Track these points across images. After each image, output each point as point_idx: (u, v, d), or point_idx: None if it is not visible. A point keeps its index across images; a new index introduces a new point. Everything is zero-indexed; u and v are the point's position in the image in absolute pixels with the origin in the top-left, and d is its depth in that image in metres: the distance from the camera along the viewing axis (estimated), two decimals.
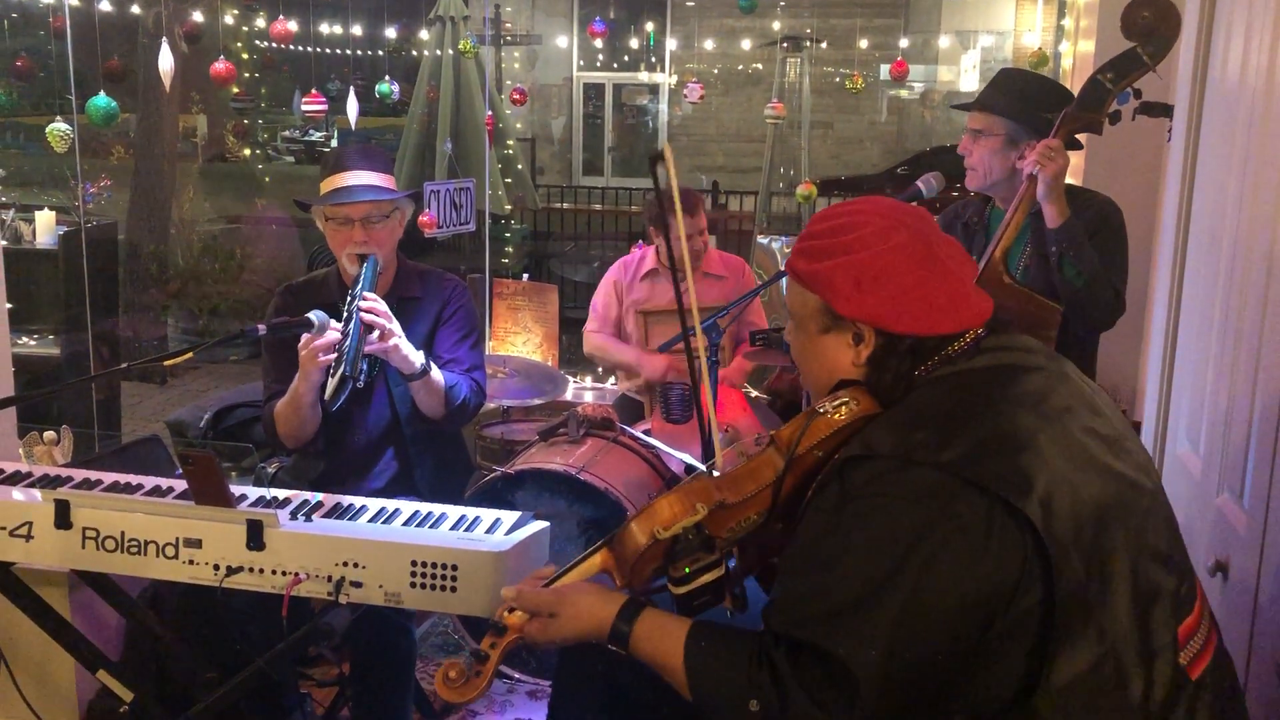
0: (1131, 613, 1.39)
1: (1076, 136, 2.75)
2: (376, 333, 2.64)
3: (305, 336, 2.63)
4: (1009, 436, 1.41)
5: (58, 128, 3.98)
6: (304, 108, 5.29)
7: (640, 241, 4.68)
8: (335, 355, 2.62)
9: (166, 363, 2.25)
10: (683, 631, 1.51)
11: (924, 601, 1.35)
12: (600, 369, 5.03)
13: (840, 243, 1.55)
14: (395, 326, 2.68)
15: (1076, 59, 4.52)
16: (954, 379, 1.51)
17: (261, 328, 2.50)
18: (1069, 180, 2.74)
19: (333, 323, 2.64)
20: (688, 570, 1.57)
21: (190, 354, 2.33)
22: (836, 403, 1.56)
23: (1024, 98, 2.81)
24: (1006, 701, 1.40)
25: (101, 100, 3.84)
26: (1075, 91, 2.72)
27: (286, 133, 21.68)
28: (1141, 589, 1.41)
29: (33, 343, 5.29)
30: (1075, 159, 4.33)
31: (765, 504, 1.59)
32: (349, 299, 2.68)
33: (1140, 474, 1.50)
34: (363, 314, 2.62)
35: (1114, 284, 2.71)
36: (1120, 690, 1.38)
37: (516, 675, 3.36)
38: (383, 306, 2.67)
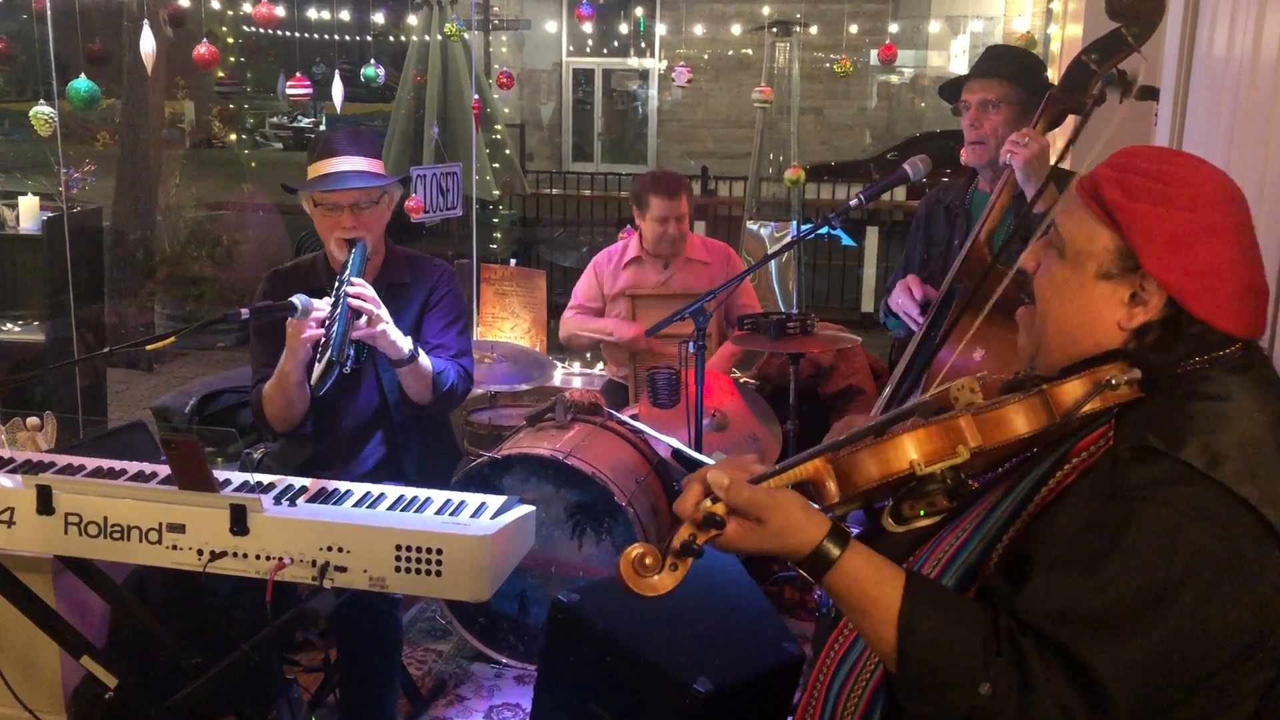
0: None
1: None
2: (364, 318, 2.63)
3: (293, 322, 2.62)
4: (1272, 459, 1.30)
5: (41, 111, 3.95)
6: (289, 91, 5.25)
7: (628, 226, 4.67)
8: (322, 336, 2.61)
9: (149, 346, 2.24)
10: (900, 578, 1.34)
11: (1194, 632, 1.25)
12: (588, 353, 5.03)
13: (1172, 192, 1.37)
14: (383, 312, 2.67)
15: (1065, 42, 4.51)
16: (1228, 389, 1.36)
17: (245, 312, 2.48)
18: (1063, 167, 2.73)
19: (316, 303, 2.63)
20: (922, 512, 1.41)
21: (173, 338, 2.32)
22: (1128, 378, 1.37)
23: (1029, 68, 2.85)
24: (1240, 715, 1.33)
25: (82, 84, 3.80)
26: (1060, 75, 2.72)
27: (274, 119, 21.57)
28: None
29: (16, 329, 5.25)
30: (1061, 138, 4.32)
31: (1002, 457, 1.44)
32: (337, 284, 2.67)
33: None
34: (350, 299, 2.61)
35: None
36: None
37: (504, 660, 3.37)
38: (370, 292, 2.65)
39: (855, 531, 1.43)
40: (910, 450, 1.38)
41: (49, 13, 4.00)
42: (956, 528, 1.47)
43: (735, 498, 1.37)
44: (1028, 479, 1.42)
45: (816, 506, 1.41)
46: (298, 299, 2.58)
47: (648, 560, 1.36)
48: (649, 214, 4.14)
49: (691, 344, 3.07)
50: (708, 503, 1.38)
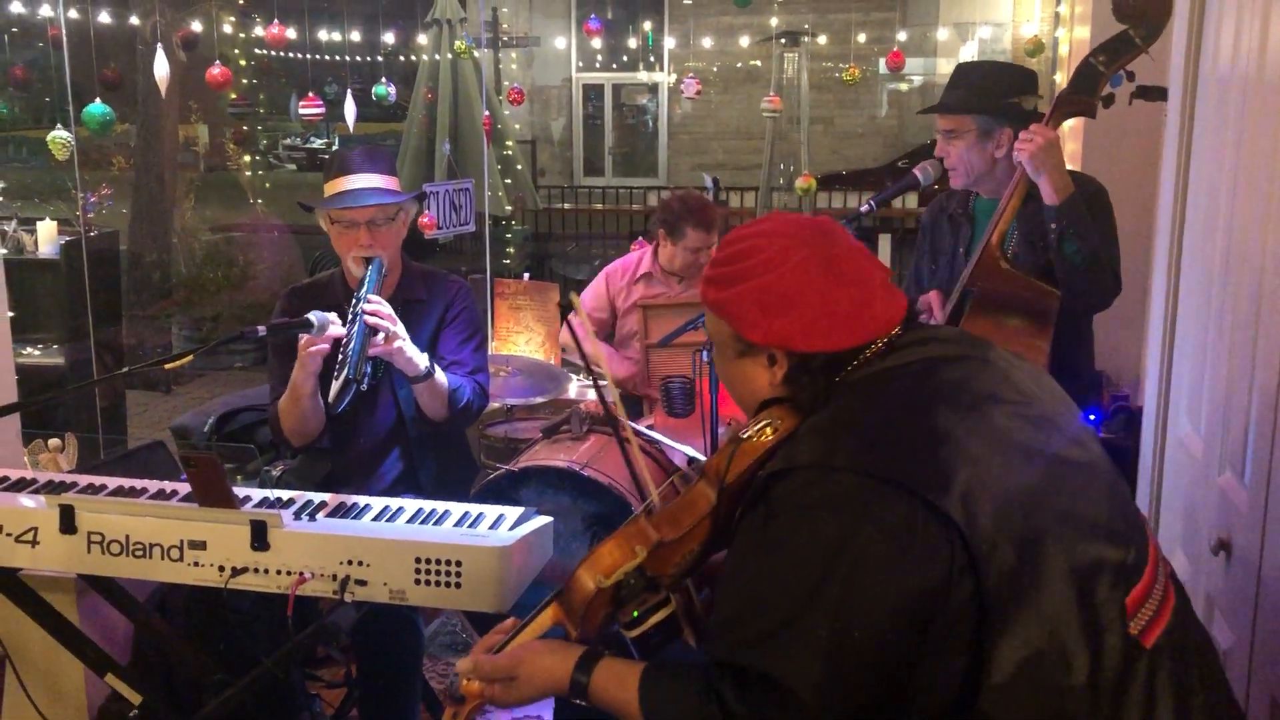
0: (1070, 593, 1.37)
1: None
2: (381, 335, 2.65)
3: (305, 337, 2.64)
4: (926, 433, 1.41)
5: (59, 135, 4.00)
6: (301, 111, 5.30)
7: (640, 239, 4.68)
8: (339, 355, 2.63)
9: (168, 365, 2.26)
10: (636, 676, 1.51)
11: (855, 610, 1.34)
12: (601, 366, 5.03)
13: (742, 269, 1.55)
14: (399, 329, 2.68)
15: (1073, 45, 4.51)
16: (869, 381, 1.51)
17: (261, 329, 2.50)
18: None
19: (333, 317, 2.64)
20: (635, 614, 1.57)
21: (190, 356, 2.34)
22: (759, 425, 1.56)
23: (984, 89, 2.82)
24: (952, 703, 1.38)
25: (97, 108, 3.85)
26: (1069, 77, 2.72)
27: (287, 140, 21.71)
28: (1080, 567, 1.38)
29: (36, 352, 5.30)
30: (1073, 144, 4.33)
31: (704, 535, 1.58)
32: (354, 301, 2.69)
33: (1074, 448, 1.49)
34: (367, 317, 2.62)
35: (1111, 261, 2.70)
36: (1064, 673, 1.35)
37: None
38: (387, 309, 2.67)
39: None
40: (592, 571, 1.57)
41: (65, 40, 4.05)
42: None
43: (481, 673, 1.62)
44: None
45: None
46: (314, 315, 2.59)
47: None
48: (683, 243, 4.12)
49: (705, 353, 3.08)
50: (463, 682, 1.62)
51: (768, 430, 1.55)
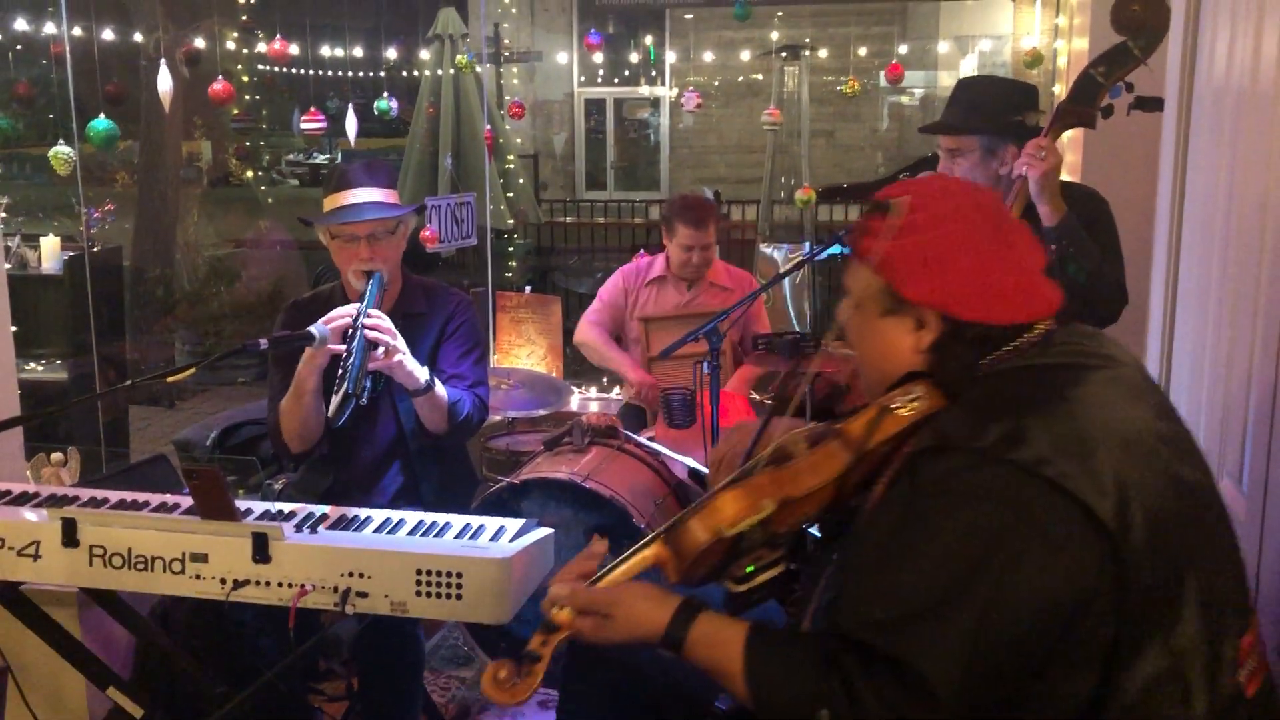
0: (1200, 626, 1.34)
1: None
2: (381, 349, 2.65)
3: (308, 350, 2.65)
4: (1084, 438, 1.34)
5: (61, 150, 4.02)
6: (303, 125, 5.32)
7: (642, 250, 4.70)
8: (339, 370, 2.64)
9: (170, 378, 2.27)
10: (740, 636, 1.43)
11: (1003, 609, 1.28)
12: (605, 378, 5.04)
13: (908, 222, 1.46)
14: (399, 343, 2.69)
15: (1071, 56, 4.53)
16: (1025, 373, 1.43)
17: (263, 342, 2.51)
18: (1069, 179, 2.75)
19: (342, 312, 2.65)
20: (750, 569, 1.50)
21: (194, 369, 2.35)
22: (910, 397, 1.47)
23: (987, 107, 2.83)
24: (1076, 714, 1.34)
25: (101, 123, 3.87)
26: (1068, 88, 2.73)
27: (290, 156, 21.78)
28: (1211, 601, 1.35)
29: (40, 368, 5.32)
30: (1072, 155, 4.34)
31: (826, 499, 1.51)
32: (355, 315, 2.69)
33: (1205, 477, 1.44)
34: (366, 331, 2.63)
35: (1115, 275, 2.70)
36: (1183, 708, 1.32)
37: None
38: (387, 323, 2.68)
39: None
40: (719, 515, 1.48)
41: (68, 55, 4.08)
42: (823, 577, 1.57)
43: (578, 602, 1.54)
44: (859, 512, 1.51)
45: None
46: (315, 328, 2.60)
47: (502, 674, 1.52)
48: (676, 240, 4.17)
49: (706, 364, 3.09)
50: (554, 610, 1.54)
51: (915, 404, 1.47)
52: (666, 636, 1.48)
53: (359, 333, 2.63)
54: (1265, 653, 1.45)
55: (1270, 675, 1.44)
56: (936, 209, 1.47)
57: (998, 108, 2.81)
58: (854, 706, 1.30)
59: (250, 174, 12.29)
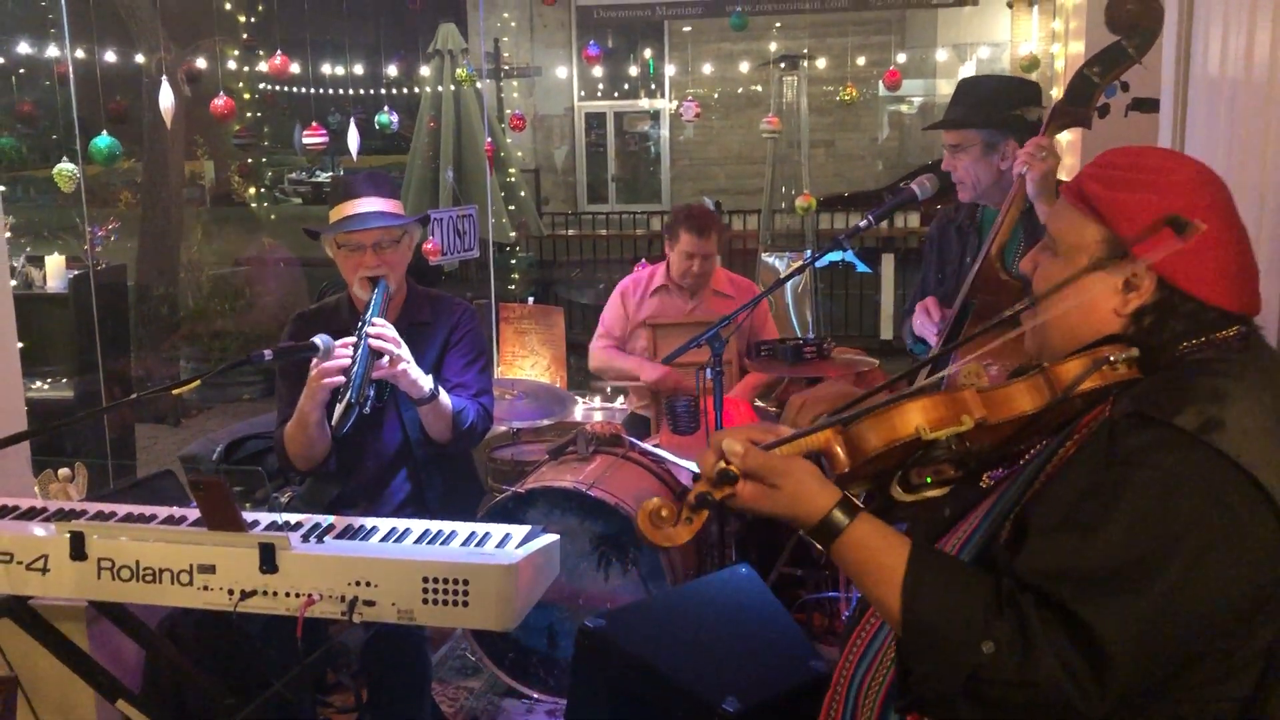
0: None
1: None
2: (385, 358, 2.67)
3: (315, 361, 2.66)
4: (1277, 439, 1.32)
5: (65, 168, 4.04)
6: (305, 140, 5.35)
7: (642, 261, 4.72)
8: (342, 378, 2.65)
9: (176, 390, 2.28)
10: (905, 546, 1.38)
11: (1191, 593, 1.27)
12: (609, 387, 5.05)
13: (1150, 179, 1.43)
14: (404, 351, 2.71)
15: (1069, 60, 4.55)
16: (1227, 365, 1.39)
17: (268, 353, 2.52)
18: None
19: (338, 344, 2.67)
20: (929, 480, 1.45)
21: (198, 381, 2.36)
22: (1126, 356, 1.43)
23: (988, 102, 2.86)
24: (1237, 709, 1.34)
25: (104, 140, 3.89)
26: (1064, 90, 2.75)
27: (292, 174, 21.88)
28: None
29: (46, 386, 5.34)
30: (1070, 156, 4.35)
31: (1007, 435, 1.46)
32: (359, 325, 2.71)
33: None
34: (371, 340, 2.65)
35: None
36: None
37: (535, 695, 3.37)
38: (391, 332, 2.70)
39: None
40: (916, 416, 1.41)
41: (71, 74, 4.11)
42: (972, 514, 1.49)
43: (750, 462, 1.41)
44: (1035, 461, 1.45)
45: (830, 477, 1.44)
46: (320, 339, 2.62)
47: (664, 513, 1.41)
48: (678, 247, 4.20)
49: (709, 370, 3.10)
50: (723, 463, 1.42)
51: (1124, 366, 1.43)
52: (825, 522, 1.40)
53: (363, 341, 2.65)
54: None
55: None
56: (1180, 177, 1.44)
57: (998, 103, 2.83)
58: (1027, 649, 1.27)
59: (252, 192, 12.34)
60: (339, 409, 2.62)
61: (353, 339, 2.69)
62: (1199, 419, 1.31)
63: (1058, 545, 1.32)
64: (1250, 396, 1.35)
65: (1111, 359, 1.42)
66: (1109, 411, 1.40)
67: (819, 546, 1.44)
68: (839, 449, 1.45)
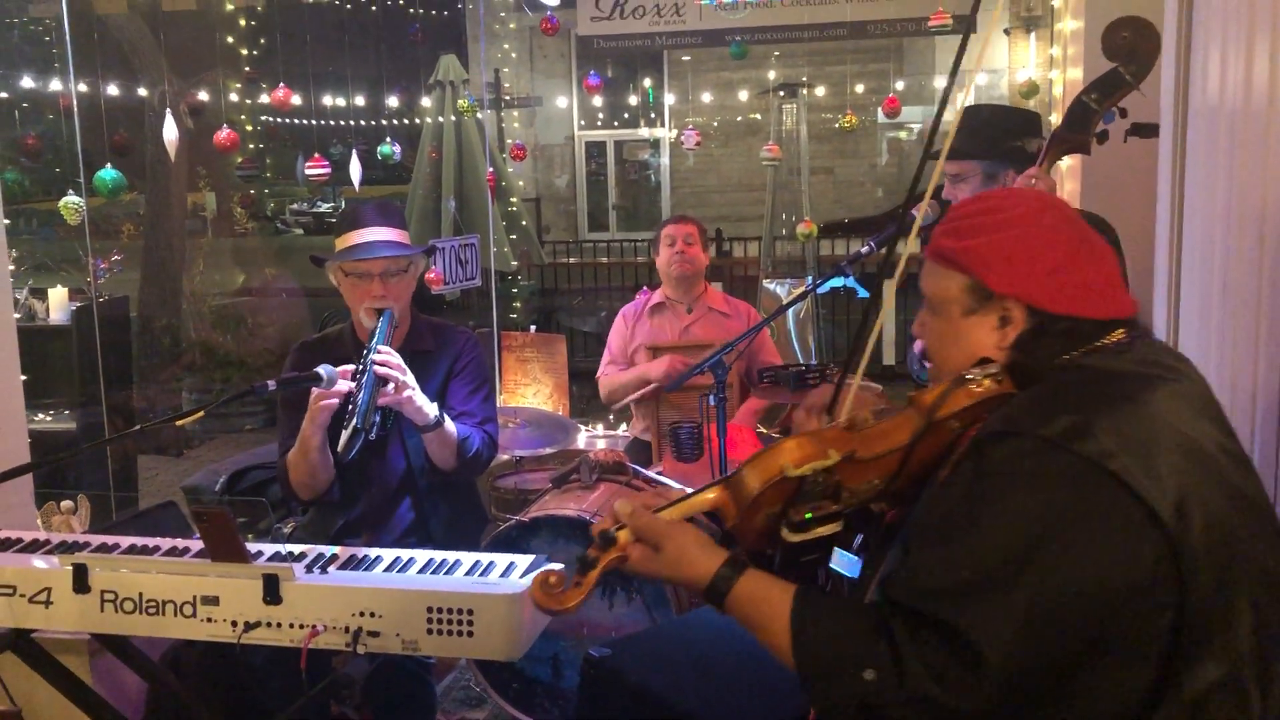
0: (1252, 634, 1.36)
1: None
2: (390, 385, 2.67)
3: (316, 391, 2.67)
4: (1149, 440, 1.37)
5: (70, 200, 4.06)
6: (307, 171, 5.37)
7: (645, 288, 4.73)
8: (348, 405, 2.65)
9: (179, 421, 2.28)
10: (789, 594, 1.45)
11: (1058, 587, 1.31)
12: (611, 415, 5.05)
13: (991, 221, 1.51)
14: (409, 379, 2.71)
15: (1067, 86, 4.57)
16: (1098, 371, 1.46)
17: (271, 383, 2.53)
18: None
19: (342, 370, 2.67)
20: (809, 515, 1.49)
21: (202, 413, 2.36)
22: (985, 372, 1.49)
23: (988, 133, 2.87)
24: (1131, 713, 1.36)
25: (109, 173, 3.91)
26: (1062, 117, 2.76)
27: (294, 205, 21.96)
28: (1261, 612, 1.37)
29: (48, 419, 5.34)
30: (1071, 182, 4.37)
31: (892, 469, 1.52)
32: (365, 353, 2.72)
33: (1261, 495, 1.47)
34: (376, 367, 2.65)
35: None
36: (1240, 712, 1.34)
37: None
38: (397, 359, 2.70)
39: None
40: (783, 456, 1.48)
41: (75, 107, 4.13)
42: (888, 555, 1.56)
43: (636, 523, 1.51)
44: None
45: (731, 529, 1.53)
46: (323, 369, 2.62)
47: (552, 580, 1.50)
48: (661, 244, 4.28)
49: (712, 397, 3.10)
50: (614, 527, 1.51)
51: (988, 381, 1.49)
52: (713, 584, 1.48)
53: (368, 369, 2.65)
54: None
55: None
56: (1018, 210, 1.51)
57: (998, 133, 2.85)
58: (900, 669, 1.32)
59: (254, 223, 12.38)
60: (345, 435, 2.62)
61: (355, 367, 2.69)
62: (1061, 427, 1.36)
63: (925, 563, 1.38)
64: (1119, 401, 1.41)
65: (969, 376, 1.49)
66: (977, 431, 1.46)
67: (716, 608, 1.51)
68: (727, 502, 1.53)
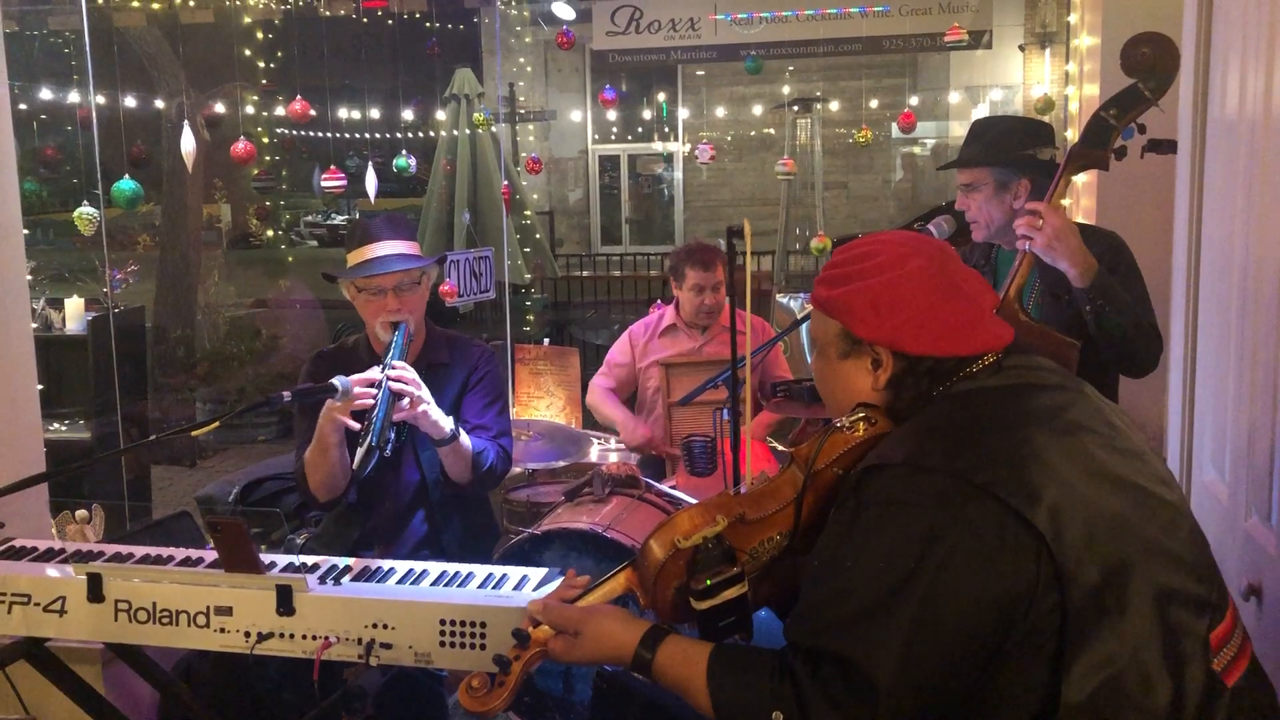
0: (1154, 617, 1.39)
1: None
2: (405, 400, 2.67)
3: (328, 404, 2.66)
4: (1019, 449, 1.43)
5: (85, 211, 4.08)
6: (324, 184, 5.38)
7: (658, 301, 4.73)
8: (363, 421, 2.65)
9: (195, 432, 2.29)
10: (705, 653, 1.52)
11: (939, 604, 1.36)
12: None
13: (858, 269, 1.59)
14: (424, 393, 2.70)
15: (1083, 101, 4.57)
16: (968, 395, 1.53)
17: (287, 394, 2.53)
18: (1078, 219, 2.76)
19: (357, 380, 2.66)
20: (709, 583, 1.56)
21: (217, 423, 2.37)
22: (854, 418, 1.58)
23: (1000, 142, 2.86)
24: (1034, 715, 1.38)
25: (127, 184, 3.94)
26: (1080, 132, 2.75)
27: (309, 217, 22.08)
28: (1164, 594, 1.40)
29: (63, 428, 5.36)
30: (1087, 198, 4.36)
31: (787, 524, 1.60)
32: (380, 368, 2.71)
33: (1160, 486, 1.50)
34: (391, 383, 2.65)
35: (1148, 319, 2.68)
36: (1145, 695, 1.37)
37: None
38: (411, 374, 2.69)
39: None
40: (673, 531, 1.57)
41: (94, 119, 4.16)
42: None
43: (550, 617, 1.62)
44: None
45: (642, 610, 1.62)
46: (338, 381, 2.62)
47: (475, 683, 1.57)
48: (685, 284, 4.21)
49: (725, 411, 3.09)
50: (529, 625, 1.60)
51: (861, 425, 1.57)
52: (637, 656, 1.55)
53: (383, 384, 2.64)
54: (1248, 650, 1.50)
55: (1255, 673, 1.49)
56: (884, 257, 1.58)
57: (1011, 143, 2.84)
58: (802, 704, 1.39)
59: (270, 234, 12.45)
60: (360, 452, 2.62)
61: (370, 375, 2.68)
62: (929, 450, 1.44)
63: (816, 599, 1.45)
64: (990, 418, 1.48)
65: (839, 425, 1.58)
66: (852, 471, 1.52)
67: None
68: (635, 582, 1.63)
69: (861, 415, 1.58)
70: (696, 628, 1.61)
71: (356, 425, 2.65)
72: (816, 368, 1.70)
